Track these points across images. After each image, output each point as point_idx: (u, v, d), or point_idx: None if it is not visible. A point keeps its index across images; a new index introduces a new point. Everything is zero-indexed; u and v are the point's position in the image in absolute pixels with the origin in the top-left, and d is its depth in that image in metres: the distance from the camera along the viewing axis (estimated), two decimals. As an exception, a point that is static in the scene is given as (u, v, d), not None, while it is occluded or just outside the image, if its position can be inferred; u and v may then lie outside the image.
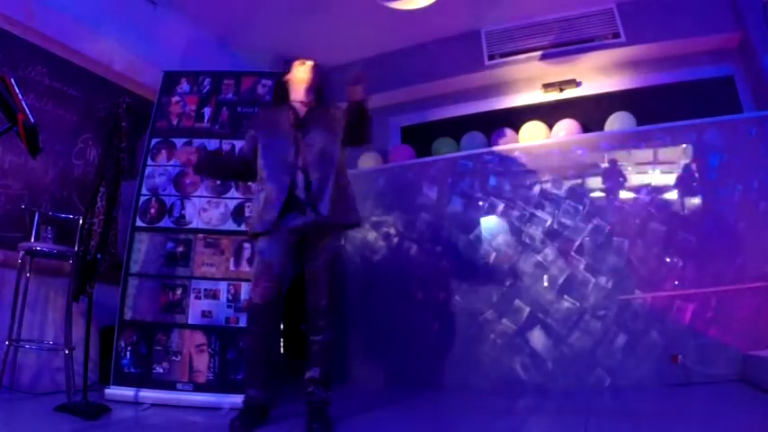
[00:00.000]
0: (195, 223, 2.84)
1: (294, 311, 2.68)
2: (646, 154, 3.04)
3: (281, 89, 2.36)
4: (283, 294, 2.13)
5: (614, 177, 3.06)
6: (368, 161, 4.25)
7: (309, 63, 2.34)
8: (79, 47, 3.16)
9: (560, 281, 3.01)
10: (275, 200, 2.08)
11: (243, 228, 2.80)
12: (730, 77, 3.75)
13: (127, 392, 2.52)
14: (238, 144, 2.94)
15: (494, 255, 3.19)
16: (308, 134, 2.17)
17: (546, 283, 3.03)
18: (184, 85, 3.13)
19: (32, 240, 2.65)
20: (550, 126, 3.89)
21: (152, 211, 2.86)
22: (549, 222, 3.13)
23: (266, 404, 2.11)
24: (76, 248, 2.67)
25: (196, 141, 2.97)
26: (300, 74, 2.30)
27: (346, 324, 3.44)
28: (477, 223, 3.29)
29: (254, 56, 4.38)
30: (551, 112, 4.03)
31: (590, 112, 3.92)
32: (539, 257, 3.09)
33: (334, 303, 2.13)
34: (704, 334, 2.67)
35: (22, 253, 2.56)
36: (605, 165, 3.10)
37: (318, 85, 2.33)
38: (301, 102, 2.29)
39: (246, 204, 2.82)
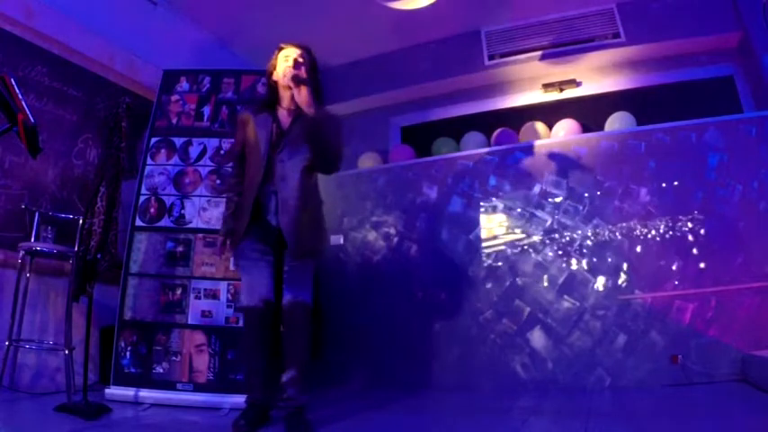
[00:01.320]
0: (195, 223, 2.84)
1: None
2: (645, 154, 3.04)
3: (271, 93, 2.17)
4: (273, 300, 2.10)
5: (614, 177, 3.06)
6: (368, 161, 4.25)
7: (293, 57, 2.09)
8: (79, 47, 3.16)
9: (560, 281, 3.01)
10: (242, 219, 2.06)
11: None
12: (730, 77, 3.75)
13: (127, 392, 2.52)
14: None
15: (494, 255, 3.19)
16: (285, 150, 2.06)
17: (546, 283, 3.04)
18: (184, 84, 3.13)
19: (32, 240, 2.65)
20: (550, 126, 3.89)
21: (152, 210, 2.86)
22: (549, 222, 3.13)
23: (268, 405, 2.10)
24: (76, 248, 2.67)
25: (196, 140, 2.97)
26: (284, 75, 2.07)
27: (346, 324, 3.44)
28: (477, 223, 3.29)
29: (254, 56, 4.37)
30: (551, 112, 4.03)
31: (590, 112, 3.92)
32: (539, 257, 3.09)
33: (308, 311, 2.07)
34: (704, 334, 2.67)
35: (22, 253, 2.56)
36: (605, 165, 3.10)
37: (308, 81, 2.06)
38: (287, 109, 2.13)
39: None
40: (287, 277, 2.08)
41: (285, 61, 2.11)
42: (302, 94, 1.97)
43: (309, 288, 2.10)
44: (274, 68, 2.16)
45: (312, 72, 2.14)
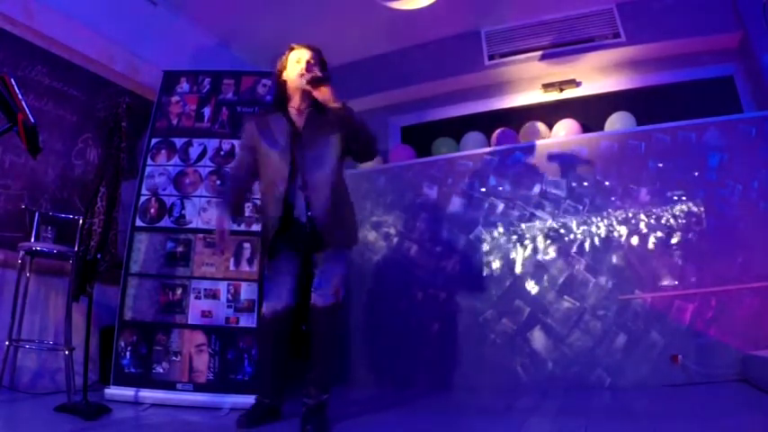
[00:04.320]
0: (195, 223, 2.84)
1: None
2: (645, 154, 3.04)
3: (280, 92, 2.14)
4: (293, 307, 2.11)
5: (614, 177, 3.06)
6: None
7: (305, 59, 2.09)
8: (79, 47, 3.16)
9: (560, 281, 3.01)
10: (273, 222, 2.03)
11: (242, 227, 2.80)
12: (730, 77, 3.75)
13: (127, 392, 2.52)
14: (238, 144, 2.94)
15: (494, 255, 3.19)
16: (307, 149, 2.03)
17: (546, 283, 3.03)
18: (184, 85, 3.13)
19: (32, 240, 2.65)
20: (550, 126, 3.89)
21: (152, 210, 2.86)
22: (549, 222, 3.13)
23: (275, 405, 2.13)
24: (76, 248, 2.67)
25: (196, 141, 2.98)
26: (295, 75, 2.06)
27: (346, 324, 3.44)
28: (478, 223, 3.29)
29: (254, 56, 4.38)
30: (551, 112, 4.03)
31: (590, 112, 3.92)
32: (539, 257, 3.09)
33: (337, 311, 2.08)
34: (704, 334, 2.67)
35: (22, 253, 2.56)
36: (605, 165, 3.10)
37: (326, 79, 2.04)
38: (297, 109, 2.10)
39: (246, 204, 2.82)
40: (318, 278, 2.06)
41: (297, 63, 2.11)
42: (324, 93, 1.97)
43: (341, 286, 2.08)
44: (284, 68, 2.14)
45: (323, 69, 2.14)
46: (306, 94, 2.08)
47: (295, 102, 2.12)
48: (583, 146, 3.21)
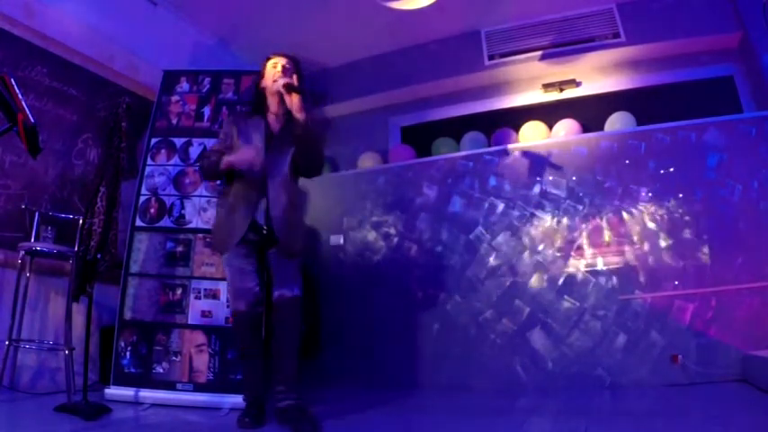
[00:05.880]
0: (195, 223, 2.84)
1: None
2: (645, 154, 3.04)
3: (259, 98, 2.23)
4: (263, 298, 2.16)
5: (614, 177, 3.06)
6: (368, 161, 4.25)
7: (281, 64, 2.19)
8: (79, 47, 3.16)
9: (560, 281, 3.01)
10: (241, 220, 2.06)
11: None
12: (730, 77, 3.74)
13: (127, 392, 2.52)
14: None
15: (494, 254, 3.20)
16: (275, 152, 2.12)
17: (546, 283, 3.03)
18: (184, 85, 3.13)
19: (32, 240, 2.65)
20: (550, 126, 3.89)
21: (152, 210, 2.86)
22: (548, 222, 3.13)
23: (264, 401, 2.16)
24: (76, 248, 2.67)
25: (196, 141, 2.97)
26: (271, 82, 2.16)
27: (345, 324, 3.44)
28: (478, 223, 3.29)
29: (254, 56, 4.36)
30: (551, 112, 4.03)
31: (590, 112, 3.92)
32: (539, 257, 3.09)
33: (298, 302, 2.12)
34: (704, 334, 2.67)
35: (22, 253, 2.56)
36: (605, 165, 3.10)
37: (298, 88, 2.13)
38: (275, 114, 2.19)
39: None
40: (277, 273, 2.13)
41: (273, 68, 2.20)
42: (294, 101, 2.05)
43: (300, 280, 2.16)
44: (263, 76, 2.24)
45: (298, 80, 2.22)
46: (281, 100, 2.16)
47: (273, 108, 2.21)
48: (583, 146, 3.21)
